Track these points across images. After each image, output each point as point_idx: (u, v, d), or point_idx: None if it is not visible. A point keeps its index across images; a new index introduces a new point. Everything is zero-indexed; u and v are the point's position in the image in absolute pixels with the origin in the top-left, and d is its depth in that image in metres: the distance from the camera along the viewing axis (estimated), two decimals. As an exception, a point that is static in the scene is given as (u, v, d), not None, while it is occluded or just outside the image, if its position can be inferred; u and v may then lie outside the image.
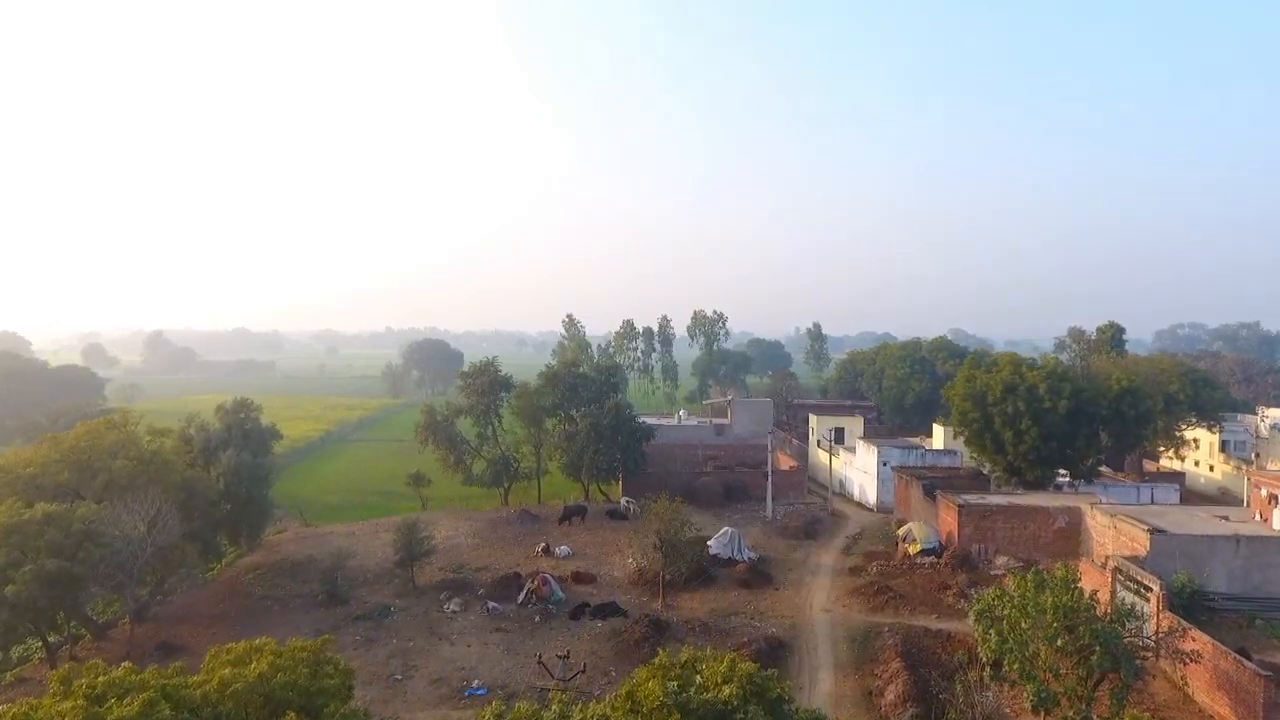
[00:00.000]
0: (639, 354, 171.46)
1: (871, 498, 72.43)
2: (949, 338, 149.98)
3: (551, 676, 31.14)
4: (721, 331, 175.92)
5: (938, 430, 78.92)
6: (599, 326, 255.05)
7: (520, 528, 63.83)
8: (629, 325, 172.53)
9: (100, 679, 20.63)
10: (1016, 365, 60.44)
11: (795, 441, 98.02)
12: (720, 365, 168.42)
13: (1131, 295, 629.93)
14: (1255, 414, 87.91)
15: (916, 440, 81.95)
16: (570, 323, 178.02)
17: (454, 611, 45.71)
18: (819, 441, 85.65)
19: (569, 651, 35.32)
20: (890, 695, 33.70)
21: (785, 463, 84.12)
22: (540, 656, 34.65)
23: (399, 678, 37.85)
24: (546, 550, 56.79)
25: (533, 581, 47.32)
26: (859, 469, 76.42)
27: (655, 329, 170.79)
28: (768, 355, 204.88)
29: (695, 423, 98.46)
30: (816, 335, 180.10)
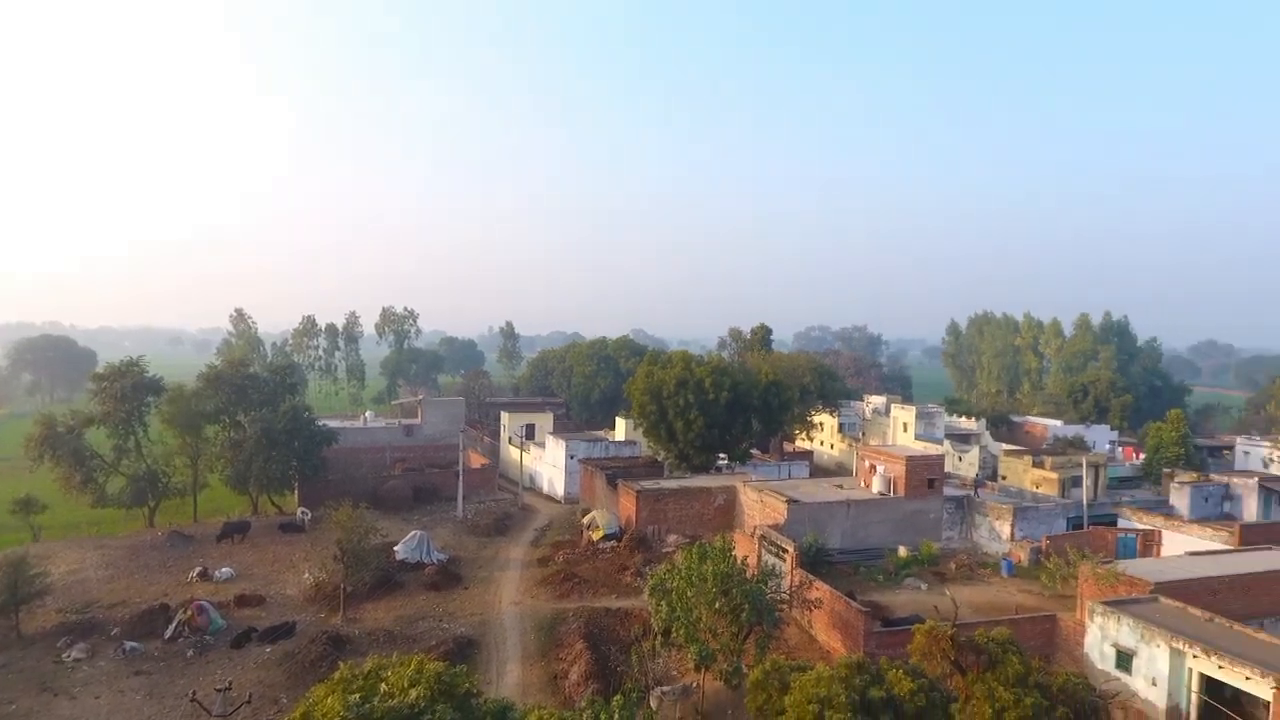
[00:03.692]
0: (321, 352, 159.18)
1: (560, 490, 75.23)
2: (631, 337, 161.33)
3: (209, 714, 27.69)
4: (412, 330, 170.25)
5: (620, 423, 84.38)
6: (274, 323, 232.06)
7: (170, 552, 55.78)
8: (309, 321, 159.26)
9: None
10: (687, 362, 67.01)
11: (488, 439, 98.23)
12: (411, 364, 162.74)
13: (777, 300, 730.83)
14: (862, 401, 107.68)
15: (601, 434, 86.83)
16: (239, 318, 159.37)
17: (76, 660, 38.38)
18: (510, 438, 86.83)
19: (230, 683, 31.62)
20: (574, 676, 35.36)
21: (477, 461, 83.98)
22: (194, 694, 30.56)
23: (-3, 749, 30.89)
24: (204, 574, 50.30)
25: (185, 612, 41.58)
26: (549, 463, 78.91)
27: (340, 326, 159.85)
28: (461, 354, 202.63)
29: (383, 424, 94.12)
30: (509, 334, 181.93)
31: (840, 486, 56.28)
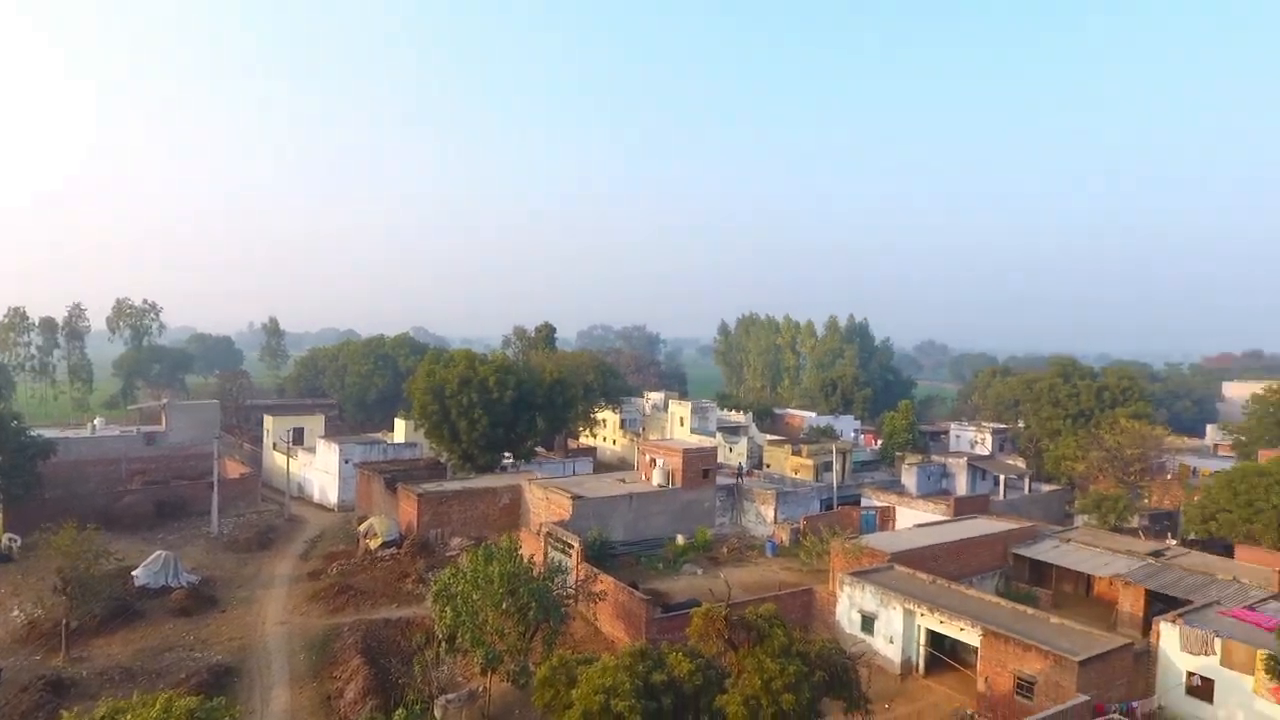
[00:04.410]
0: (34, 350, 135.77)
1: (333, 497, 70.48)
2: (411, 335, 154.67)
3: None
4: (154, 325, 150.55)
5: (399, 424, 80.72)
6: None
7: None
8: (18, 314, 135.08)
9: None
10: (471, 360, 65.60)
11: (248, 446, 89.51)
12: (153, 364, 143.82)
13: (561, 299, 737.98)
14: (642, 397, 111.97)
15: (379, 435, 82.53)
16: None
17: None
18: (275, 444, 79.83)
19: (-91, 751, 26.17)
20: (350, 694, 33.34)
21: (235, 470, 76.36)
22: None
23: None
24: None
25: None
26: (320, 469, 73.59)
27: (60, 320, 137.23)
28: (215, 353, 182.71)
29: (117, 432, 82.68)
30: (274, 331, 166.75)
31: (623, 480, 58.11)
